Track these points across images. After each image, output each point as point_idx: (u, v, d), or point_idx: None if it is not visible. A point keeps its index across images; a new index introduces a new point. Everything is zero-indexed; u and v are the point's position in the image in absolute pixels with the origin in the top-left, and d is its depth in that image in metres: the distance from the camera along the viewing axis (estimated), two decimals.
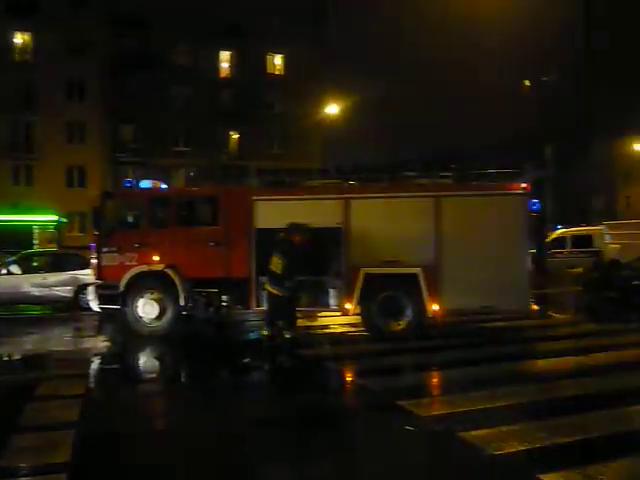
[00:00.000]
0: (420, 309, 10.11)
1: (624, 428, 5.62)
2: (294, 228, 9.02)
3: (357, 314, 10.56)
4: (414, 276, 10.03)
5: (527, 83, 24.18)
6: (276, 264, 8.74)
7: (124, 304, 10.80)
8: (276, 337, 8.88)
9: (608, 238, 21.17)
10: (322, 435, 5.85)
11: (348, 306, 10.33)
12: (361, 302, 10.27)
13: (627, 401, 6.43)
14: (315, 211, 10.42)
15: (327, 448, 5.50)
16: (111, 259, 10.97)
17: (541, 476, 4.57)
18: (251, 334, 11.96)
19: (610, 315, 13.49)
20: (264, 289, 9.42)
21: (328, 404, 6.93)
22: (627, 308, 13.91)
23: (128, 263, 10.90)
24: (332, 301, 10.49)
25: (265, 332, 9.04)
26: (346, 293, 10.33)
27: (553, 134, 26.48)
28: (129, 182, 12.86)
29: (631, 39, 57.71)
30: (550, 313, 13.74)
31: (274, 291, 8.83)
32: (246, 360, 9.09)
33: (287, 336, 8.72)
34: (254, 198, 10.79)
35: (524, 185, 10.00)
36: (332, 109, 37.78)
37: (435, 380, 8.05)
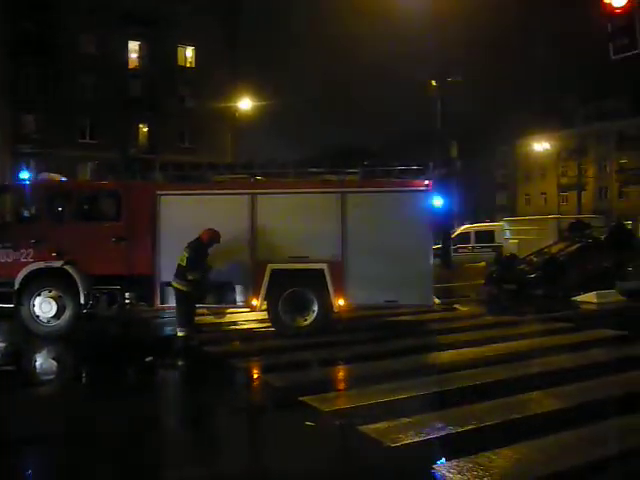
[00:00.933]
0: (326, 304, 10.17)
1: (516, 415, 5.85)
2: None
3: (264, 310, 10.49)
4: (320, 272, 10.07)
5: (433, 83, 24.84)
6: (182, 257, 8.94)
7: (20, 302, 10.24)
8: (192, 337, 9.03)
9: (507, 234, 22.15)
10: (221, 434, 5.76)
11: (255, 302, 10.24)
12: (267, 298, 10.22)
13: (520, 389, 6.73)
14: (221, 206, 10.28)
15: (226, 447, 5.42)
16: (5, 255, 10.39)
17: (435, 466, 4.71)
18: (157, 332, 11.65)
19: (509, 307, 14.10)
20: (171, 285, 9.30)
21: (230, 402, 6.84)
22: (523, 300, 14.60)
23: (24, 260, 10.34)
24: (239, 297, 10.37)
25: (181, 333, 8.95)
26: (253, 289, 10.24)
27: (458, 133, 27.38)
28: (25, 174, 12.23)
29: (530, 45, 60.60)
30: (455, 306, 14.21)
31: (178, 286, 8.94)
32: (149, 359, 8.82)
33: (180, 334, 8.84)
34: (158, 193, 10.48)
35: (427, 182, 10.27)
36: (244, 104, 37.44)
37: (340, 375, 8.12)
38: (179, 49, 47.07)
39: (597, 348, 9.11)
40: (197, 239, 9.14)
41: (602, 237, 17.06)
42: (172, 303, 9.75)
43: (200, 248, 9.08)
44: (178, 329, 8.95)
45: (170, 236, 10.20)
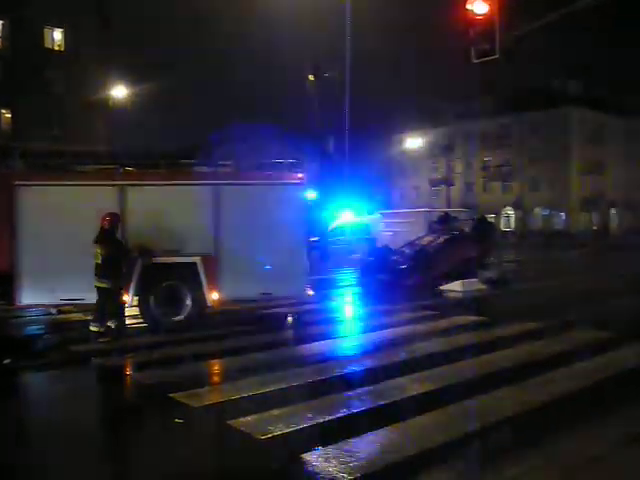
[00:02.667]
0: (200, 298, 9.98)
1: (383, 401, 6.05)
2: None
3: (135, 306, 10.11)
4: (193, 265, 9.87)
5: (311, 78, 25.14)
6: (96, 255, 9.03)
7: None
8: (106, 334, 9.07)
9: (381, 226, 22.92)
10: (83, 437, 5.47)
11: (125, 297, 9.85)
12: (138, 293, 9.86)
13: (388, 375, 6.94)
14: (87, 198, 9.78)
15: (88, 450, 5.16)
16: None
17: (303, 455, 4.75)
18: (17, 331, 10.88)
19: (381, 297, 14.59)
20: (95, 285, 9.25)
21: (95, 402, 6.54)
22: (396, 290, 15.16)
23: None
24: None
25: (94, 328, 9.14)
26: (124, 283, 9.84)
27: (332, 127, 27.92)
28: None
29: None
30: (333, 297, 14.48)
31: (100, 284, 9.07)
32: (7, 361, 8.21)
33: (93, 329, 9.06)
34: (17, 183, 9.77)
35: (301, 175, 10.35)
36: (118, 91, 35.88)
37: (211, 369, 7.98)
38: (46, 30, 44.10)
39: (460, 333, 9.65)
40: (101, 231, 9.11)
41: (467, 230, 18.12)
42: (31, 301, 9.29)
43: (109, 238, 9.12)
44: (92, 324, 9.13)
45: (31, 230, 9.58)
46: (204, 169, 10.50)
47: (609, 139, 68.46)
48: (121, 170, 10.34)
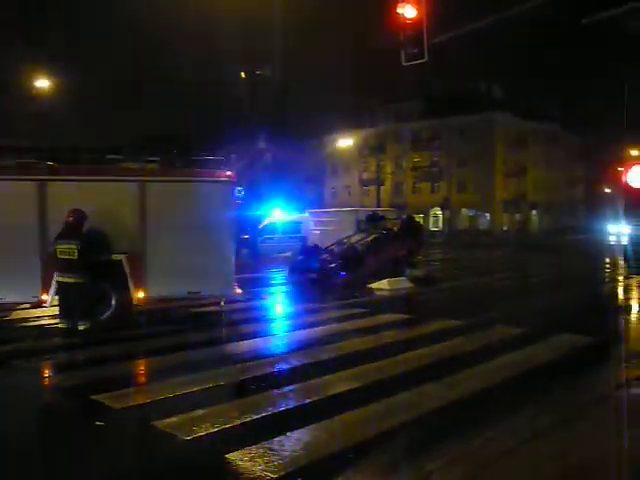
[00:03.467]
0: (125, 297, 9.76)
1: (310, 399, 6.09)
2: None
3: (56, 305, 9.75)
4: (118, 263, 9.63)
5: (243, 75, 25.01)
6: (70, 251, 8.78)
7: None
8: (73, 330, 8.84)
9: (312, 225, 23.04)
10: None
11: (45, 297, 9.51)
12: (59, 292, 9.52)
13: (316, 374, 6.99)
14: (5, 193, 9.37)
15: (3, 458, 4.95)
16: None
17: (228, 455, 4.73)
18: None
19: (311, 295, 14.66)
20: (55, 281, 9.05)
21: (10, 406, 6.27)
22: (325, 288, 15.29)
23: None
24: (29, 292, 9.56)
25: (61, 325, 8.96)
26: (43, 283, 9.49)
27: (268, 125, 27.86)
28: None
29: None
30: (262, 295, 14.44)
31: (67, 280, 8.80)
32: None
33: (82, 327, 8.77)
34: None
35: (230, 173, 10.28)
36: (42, 83, 34.43)
37: (136, 370, 7.81)
38: None
39: (386, 331, 9.83)
40: (69, 227, 8.94)
41: (395, 229, 18.48)
42: None
43: (81, 233, 8.98)
44: (80, 323, 8.87)
45: None
46: (130, 165, 10.24)
47: (530, 143, 71.41)
48: (42, 165, 9.95)
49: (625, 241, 15.83)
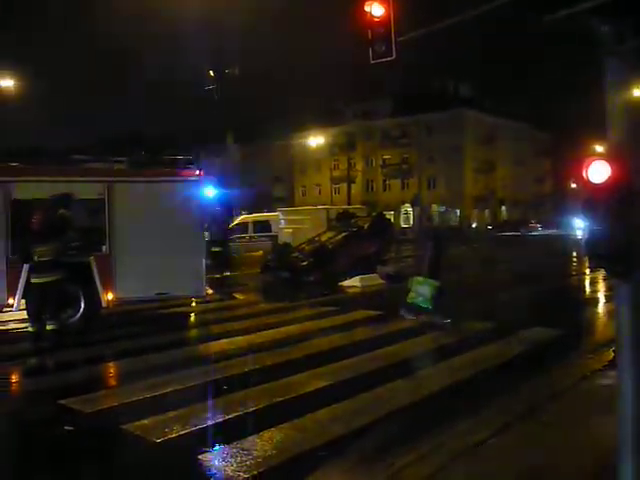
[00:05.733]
0: (93, 300, 9.62)
1: (282, 398, 6.08)
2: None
3: (23, 309, 9.57)
4: (86, 265, 9.49)
5: (211, 74, 24.84)
6: (41, 253, 8.62)
7: None
8: (41, 334, 8.64)
9: (282, 223, 22.97)
10: None
11: (11, 301, 9.32)
12: (26, 295, 9.34)
13: (288, 372, 6.99)
14: None
15: None
16: None
17: (200, 456, 4.70)
18: None
19: (283, 294, 14.64)
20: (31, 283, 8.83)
21: None
22: (297, 287, 15.29)
23: None
24: None
25: (30, 329, 8.74)
26: (9, 287, 9.30)
27: (236, 125, 27.72)
28: None
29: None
30: (234, 295, 14.37)
31: (43, 280, 8.61)
32: None
33: (49, 328, 8.57)
34: None
35: (198, 172, 10.20)
36: (6, 82, 33.72)
37: (106, 373, 7.70)
38: None
39: (358, 328, 9.87)
40: (39, 228, 8.71)
41: (365, 226, 18.53)
42: None
43: (50, 234, 8.74)
44: (48, 323, 8.64)
45: None
46: (96, 165, 10.10)
47: (499, 140, 72.36)
48: (7, 166, 9.75)
49: (583, 236, 16.17)
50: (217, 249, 15.01)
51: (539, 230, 62.23)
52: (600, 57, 3.13)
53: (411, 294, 10.20)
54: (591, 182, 2.99)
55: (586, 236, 3.18)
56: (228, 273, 17.25)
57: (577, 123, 54.28)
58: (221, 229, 19.68)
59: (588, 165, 3.01)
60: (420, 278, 10.46)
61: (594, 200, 3.00)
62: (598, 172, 2.97)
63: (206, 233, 10.89)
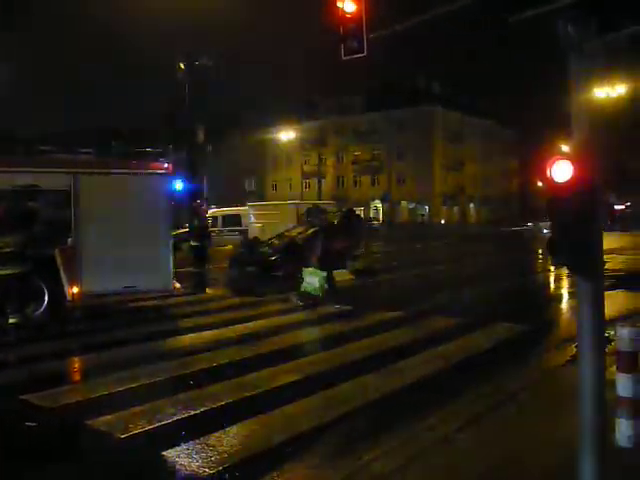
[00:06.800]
0: (58, 293, 9.46)
1: (248, 393, 6.06)
2: None
3: None
4: (50, 258, 9.32)
5: (181, 66, 24.57)
6: (6, 243, 8.62)
7: None
8: (3, 328, 8.61)
9: (252, 218, 22.87)
10: None
11: None
12: None
13: (255, 367, 6.97)
14: None
15: None
16: None
17: (164, 452, 4.66)
18: None
19: (252, 288, 14.56)
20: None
21: None
22: (266, 281, 15.23)
23: None
24: None
25: (14, 320, 8.73)
26: None
27: (207, 118, 27.50)
28: None
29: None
30: (204, 289, 14.24)
31: (5, 272, 8.60)
32: None
33: (12, 321, 8.58)
34: None
35: (166, 165, 10.10)
36: None
37: (70, 367, 7.59)
38: None
39: (327, 323, 9.90)
40: (4, 219, 8.78)
41: (335, 221, 18.52)
42: None
43: (15, 225, 8.82)
44: (11, 316, 8.71)
45: None
46: (62, 156, 9.92)
47: (468, 137, 73.10)
48: None
49: (547, 234, 16.41)
50: (196, 243, 14.80)
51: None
52: (564, 57, 3.18)
53: (303, 284, 11.39)
54: (554, 181, 3.04)
55: (549, 234, 3.24)
56: (206, 267, 17.02)
57: (543, 122, 55.17)
58: (202, 223, 19.52)
59: (552, 164, 3.06)
60: (310, 269, 11.62)
61: (557, 199, 3.05)
62: (561, 171, 3.01)
63: (187, 225, 10.78)
